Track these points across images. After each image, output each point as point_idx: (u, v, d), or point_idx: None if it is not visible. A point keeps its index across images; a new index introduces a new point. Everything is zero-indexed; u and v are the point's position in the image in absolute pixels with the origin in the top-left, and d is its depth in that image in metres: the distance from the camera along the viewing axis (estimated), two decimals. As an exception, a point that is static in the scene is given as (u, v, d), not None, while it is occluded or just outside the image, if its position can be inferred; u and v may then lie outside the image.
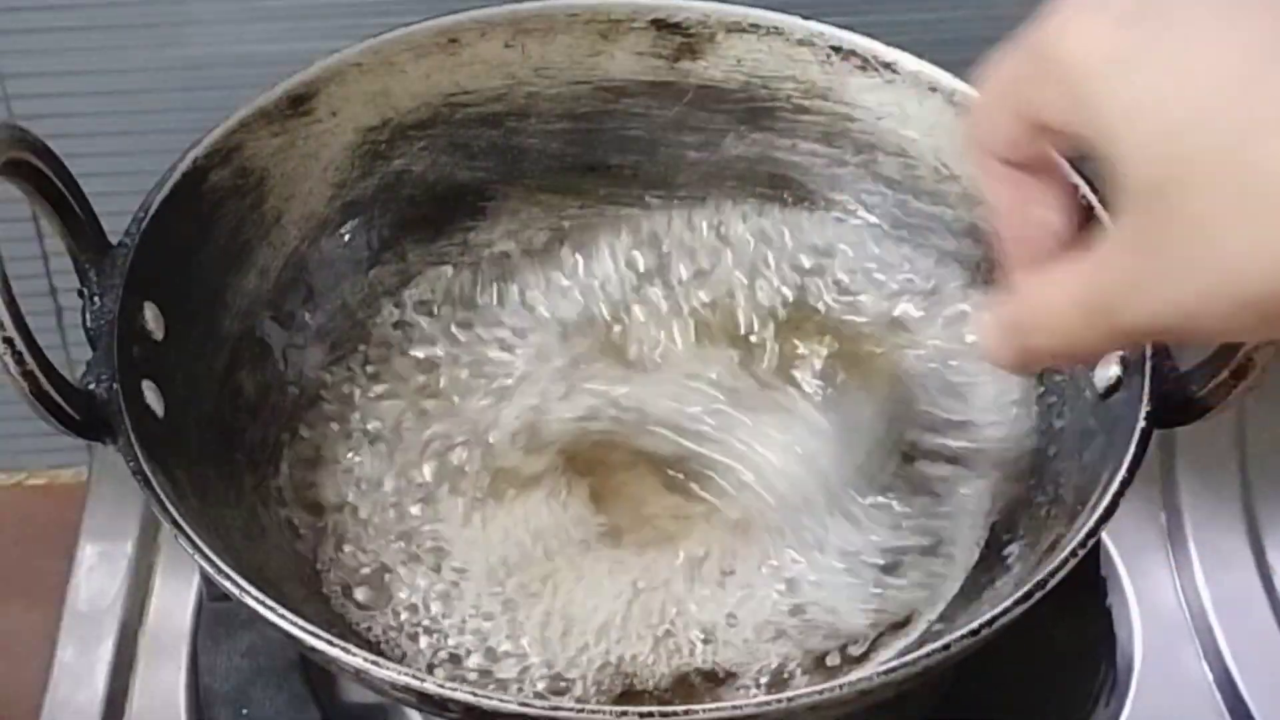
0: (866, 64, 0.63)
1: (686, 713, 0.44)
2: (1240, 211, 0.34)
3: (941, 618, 0.55)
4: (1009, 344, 0.43)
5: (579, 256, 0.66)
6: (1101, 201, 0.51)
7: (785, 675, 0.55)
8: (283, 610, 0.47)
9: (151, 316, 0.55)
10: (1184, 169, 0.35)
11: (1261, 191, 0.34)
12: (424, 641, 0.55)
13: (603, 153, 0.67)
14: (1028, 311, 0.42)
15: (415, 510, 0.59)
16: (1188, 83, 0.35)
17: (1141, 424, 0.51)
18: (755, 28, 0.64)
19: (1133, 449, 0.51)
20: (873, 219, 0.65)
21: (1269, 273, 0.34)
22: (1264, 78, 0.34)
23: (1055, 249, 0.43)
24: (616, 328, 0.64)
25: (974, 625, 0.47)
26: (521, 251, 0.66)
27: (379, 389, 0.62)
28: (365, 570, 0.57)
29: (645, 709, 0.44)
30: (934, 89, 0.62)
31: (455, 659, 0.55)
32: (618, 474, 0.60)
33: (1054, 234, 0.44)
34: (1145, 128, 0.36)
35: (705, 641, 0.55)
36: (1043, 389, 0.59)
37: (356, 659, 0.46)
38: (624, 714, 0.44)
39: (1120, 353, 0.54)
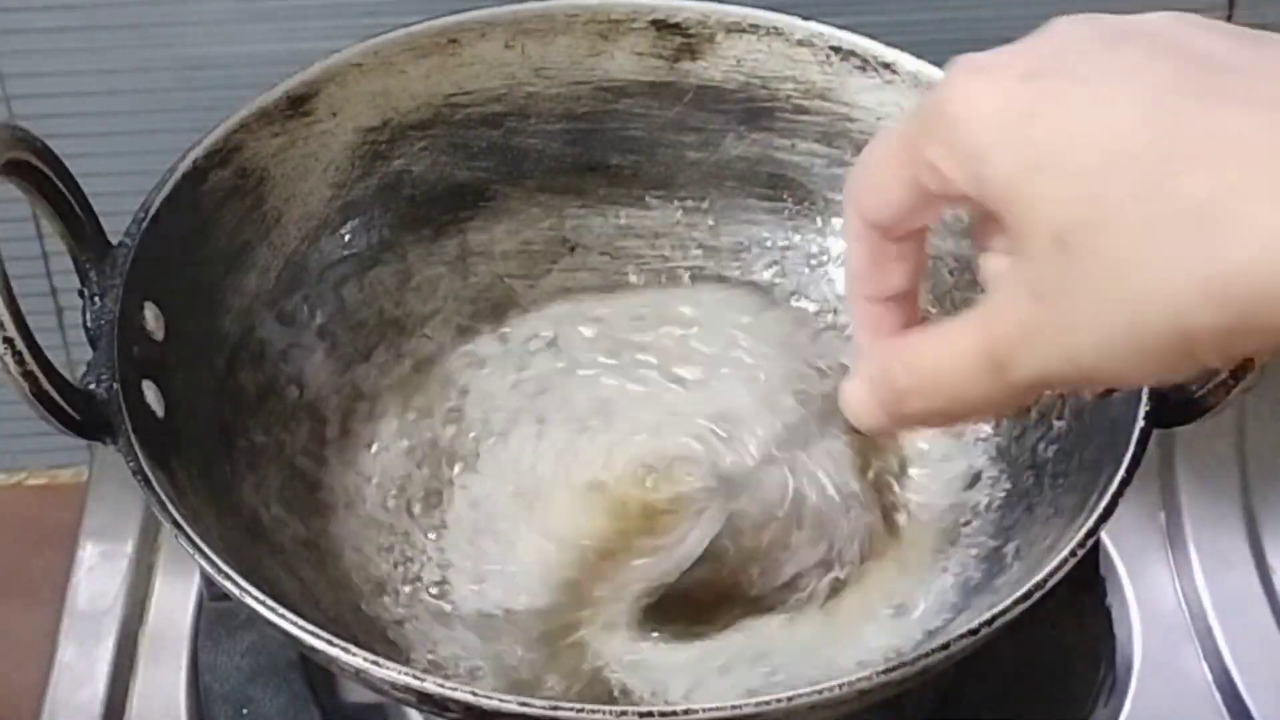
0: (866, 64, 0.63)
1: (686, 713, 0.44)
2: (1158, 242, 0.34)
3: (941, 617, 0.56)
4: (883, 407, 0.42)
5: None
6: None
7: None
8: (283, 610, 0.47)
9: (151, 316, 0.55)
10: (1094, 210, 0.35)
11: (1181, 220, 0.34)
12: (421, 639, 0.55)
13: (603, 153, 0.67)
14: (905, 370, 0.41)
15: (416, 509, 0.59)
16: (1098, 126, 0.35)
17: (1141, 424, 0.51)
18: (755, 28, 0.64)
19: (1132, 449, 0.51)
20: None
21: (1185, 302, 0.34)
22: (1177, 111, 0.34)
23: (908, 319, 0.43)
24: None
25: (974, 625, 0.47)
26: (520, 251, 0.67)
27: (379, 389, 0.62)
28: (365, 569, 0.57)
29: (645, 709, 0.44)
30: (933, 89, 0.62)
31: (452, 657, 0.55)
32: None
33: (906, 303, 0.43)
34: (1050, 176, 0.35)
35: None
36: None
37: (356, 659, 0.46)
38: (623, 714, 0.44)
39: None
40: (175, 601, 0.65)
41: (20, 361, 0.48)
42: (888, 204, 0.41)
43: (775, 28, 0.64)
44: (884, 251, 0.42)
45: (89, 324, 0.53)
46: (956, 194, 0.38)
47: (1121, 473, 0.50)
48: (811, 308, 0.65)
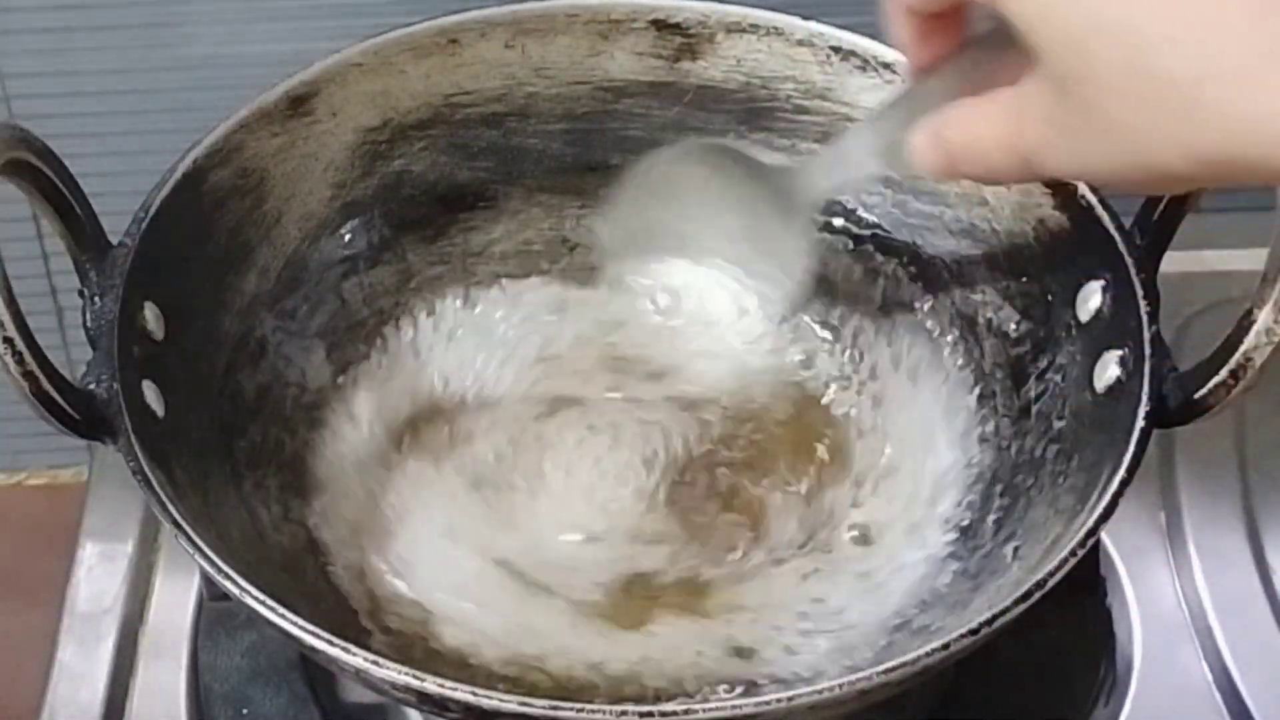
0: (866, 64, 0.63)
1: (686, 712, 0.44)
2: (1143, 113, 0.37)
3: (941, 617, 0.56)
4: (939, 159, 0.47)
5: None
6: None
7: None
8: (283, 610, 0.47)
9: (151, 316, 0.55)
10: (1090, 70, 0.38)
11: (1162, 99, 0.37)
12: (421, 636, 0.55)
13: (603, 153, 0.67)
14: (959, 138, 0.46)
15: (415, 507, 0.59)
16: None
17: (1141, 424, 0.51)
18: (755, 28, 0.64)
19: (1132, 449, 0.51)
20: (872, 219, 0.65)
21: (1168, 160, 0.38)
22: None
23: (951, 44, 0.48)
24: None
25: (973, 625, 0.47)
26: (519, 251, 0.67)
27: (378, 388, 0.62)
28: (365, 568, 0.57)
29: (645, 709, 0.44)
30: None
31: (459, 654, 0.55)
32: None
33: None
34: (1055, 26, 0.39)
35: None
36: (1043, 388, 0.59)
37: (356, 659, 0.46)
38: (624, 714, 0.44)
39: (1120, 352, 0.54)
40: (175, 601, 0.65)
41: (20, 361, 0.48)
42: None
43: (775, 28, 0.64)
44: (923, 27, 0.48)
45: (89, 324, 0.53)
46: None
47: (1121, 473, 0.50)
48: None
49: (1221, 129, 0.36)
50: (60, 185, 0.53)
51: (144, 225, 0.55)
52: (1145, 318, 0.54)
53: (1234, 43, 0.36)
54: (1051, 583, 0.47)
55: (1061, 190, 0.58)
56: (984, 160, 0.45)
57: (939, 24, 0.47)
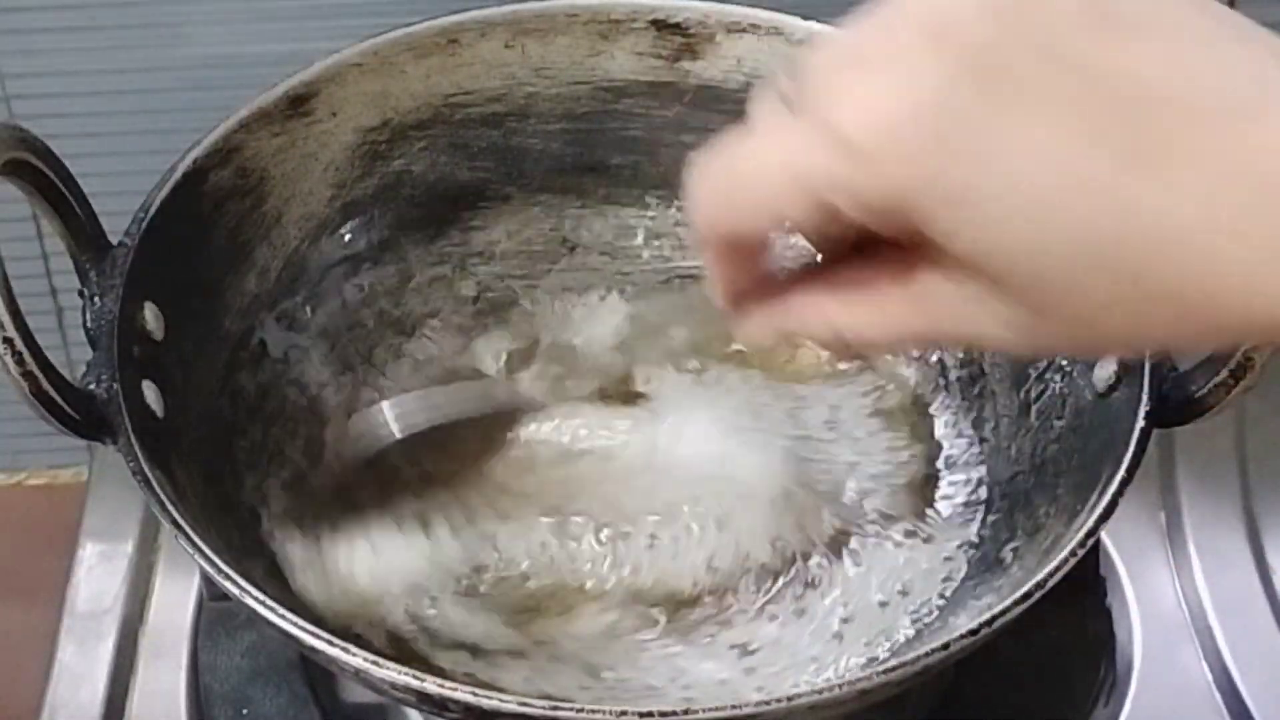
0: (866, 64, 0.63)
1: (686, 712, 0.44)
2: (1131, 318, 0.34)
3: (941, 617, 0.56)
4: (778, 336, 0.41)
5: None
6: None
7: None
8: (283, 610, 0.47)
9: (151, 316, 0.55)
10: (1064, 291, 0.34)
11: (1159, 307, 0.33)
12: (422, 636, 0.55)
13: (603, 153, 0.67)
14: (832, 329, 0.39)
15: (414, 506, 0.59)
16: (1038, 198, 0.33)
17: (1140, 424, 0.51)
18: (755, 28, 0.64)
19: (1132, 449, 0.51)
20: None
21: (1160, 339, 0.36)
22: (1120, 181, 0.33)
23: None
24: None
25: (973, 625, 0.47)
26: (519, 252, 0.67)
27: (378, 388, 0.62)
28: (366, 567, 0.57)
29: (645, 709, 0.44)
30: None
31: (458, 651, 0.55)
32: None
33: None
34: (1015, 257, 0.34)
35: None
36: (1043, 388, 0.59)
37: (356, 659, 0.46)
38: (623, 714, 0.44)
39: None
40: (175, 601, 0.65)
41: (20, 361, 0.48)
42: (772, 224, 0.37)
43: (775, 28, 0.63)
44: (748, 255, 0.40)
45: (89, 324, 0.53)
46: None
47: (1121, 473, 0.50)
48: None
49: (1238, 321, 0.33)
50: (60, 185, 0.53)
51: (144, 225, 0.55)
52: (1145, 318, 0.54)
53: (1234, 245, 0.32)
54: (1051, 583, 0.47)
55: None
56: (875, 348, 0.41)
57: (754, 252, 0.40)
